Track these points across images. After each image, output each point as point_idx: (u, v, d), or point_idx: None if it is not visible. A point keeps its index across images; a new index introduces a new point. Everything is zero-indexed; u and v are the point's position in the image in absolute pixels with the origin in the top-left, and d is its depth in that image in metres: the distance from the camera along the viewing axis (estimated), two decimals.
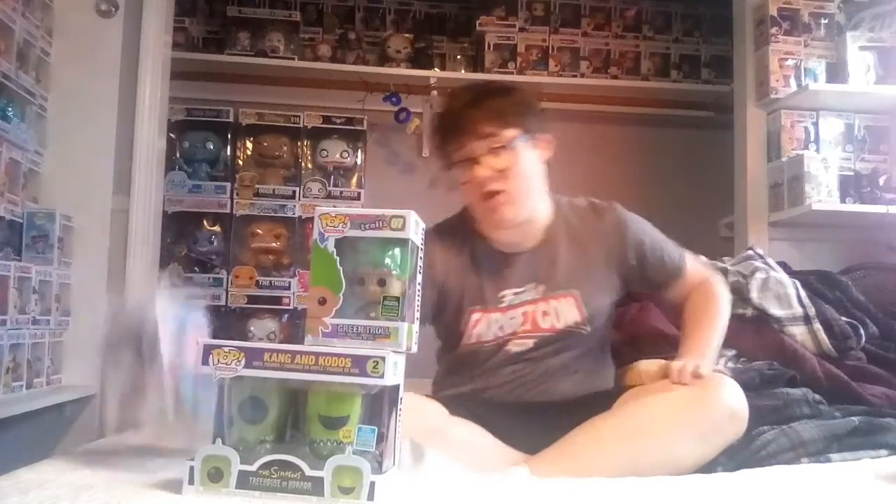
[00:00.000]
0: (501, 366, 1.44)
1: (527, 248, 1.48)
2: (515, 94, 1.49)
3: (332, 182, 3.10)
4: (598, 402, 1.35)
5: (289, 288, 2.98)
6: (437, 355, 1.56)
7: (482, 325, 1.44)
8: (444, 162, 1.47)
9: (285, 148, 3.10)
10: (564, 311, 1.45)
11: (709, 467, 1.23)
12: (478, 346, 1.45)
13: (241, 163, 3.08)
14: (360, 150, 3.14)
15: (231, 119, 3.07)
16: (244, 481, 0.91)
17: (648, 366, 1.64)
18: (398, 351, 0.94)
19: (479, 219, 1.48)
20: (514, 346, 1.45)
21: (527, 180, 1.44)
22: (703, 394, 1.24)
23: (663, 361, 1.61)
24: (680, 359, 1.36)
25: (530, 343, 1.44)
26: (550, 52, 3.31)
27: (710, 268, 1.65)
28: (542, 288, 1.46)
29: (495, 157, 1.40)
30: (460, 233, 1.51)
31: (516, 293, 1.46)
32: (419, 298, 1.03)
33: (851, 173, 2.57)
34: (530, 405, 1.41)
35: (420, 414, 1.27)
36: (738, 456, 1.26)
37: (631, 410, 1.28)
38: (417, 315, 1.00)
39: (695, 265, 1.59)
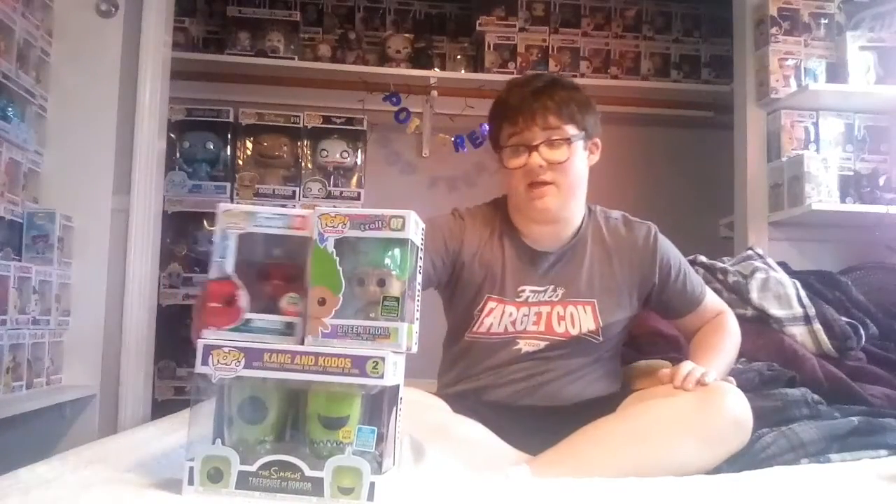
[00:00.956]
0: (509, 363, 1.44)
1: (554, 249, 1.47)
2: (581, 92, 1.49)
3: (332, 182, 3.10)
4: (602, 405, 1.35)
5: None
6: (444, 344, 1.56)
7: (495, 315, 1.44)
8: (495, 144, 1.48)
9: (285, 148, 3.10)
10: (580, 319, 1.44)
11: (710, 470, 1.23)
12: (486, 336, 1.45)
13: (241, 163, 3.08)
14: (360, 150, 3.14)
15: (231, 119, 3.07)
16: (244, 482, 0.91)
17: (648, 365, 1.64)
18: (398, 351, 0.94)
19: (519, 207, 1.48)
20: (526, 346, 1.44)
21: (576, 179, 1.45)
22: (707, 401, 1.23)
23: (663, 361, 1.62)
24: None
25: (542, 345, 1.44)
26: (550, 52, 3.31)
27: (726, 306, 1.64)
28: (561, 292, 1.45)
29: (553, 149, 1.41)
30: (493, 219, 1.51)
31: (535, 291, 1.45)
32: (419, 288, 1.03)
33: (851, 173, 2.58)
34: (535, 408, 1.41)
35: (423, 410, 1.28)
36: (738, 459, 1.26)
37: (635, 414, 1.27)
38: (417, 315, 1.00)
39: (713, 300, 1.60)
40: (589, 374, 1.47)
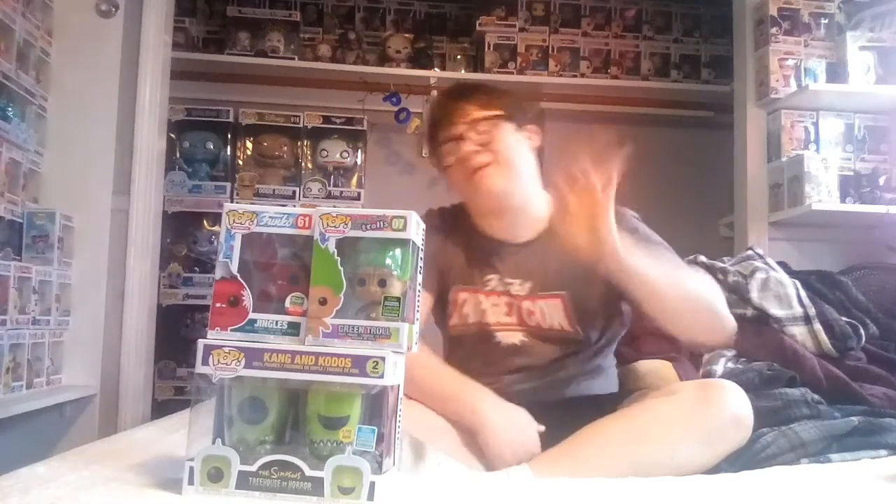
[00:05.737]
0: (492, 357, 1.43)
1: (519, 241, 1.48)
2: (500, 89, 1.54)
3: (332, 182, 3.10)
4: (602, 404, 1.34)
5: None
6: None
7: (468, 306, 1.46)
8: (433, 150, 1.51)
9: (285, 148, 3.10)
10: (550, 313, 1.43)
11: (710, 470, 1.23)
12: (463, 328, 1.46)
13: (241, 163, 3.08)
14: (360, 150, 3.14)
15: (231, 119, 3.07)
16: (244, 482, 0.91)
17: (648, 365, 1.64)
18: (398, 351, 0.94)
19: (470, 200, 1.50)
20: (505, 338, 1.45)
21: (513, 155, 1.45)
22: (707, 398, 1.23)
23: (664, 362, 1.62)
24: None
25: (519, 336, 1.44)
26: (550, 52, 3.31)
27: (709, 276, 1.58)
28: (528, 285, 1.45)
29: (479, 133, 1.43)
30: (453, 217, 1.54)
31: (503, 281, 1.46)
32: (419, 298, 1.03)
33: (851, 173, 2.58)
34: (530, 404, 1.41)
35: (424, 411, 1.28)
36: (738, 458, 1.26)
37: (635, 413, 1.27)
38: (418, 315, 1.00)
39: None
40: (576, 368, 1.45)
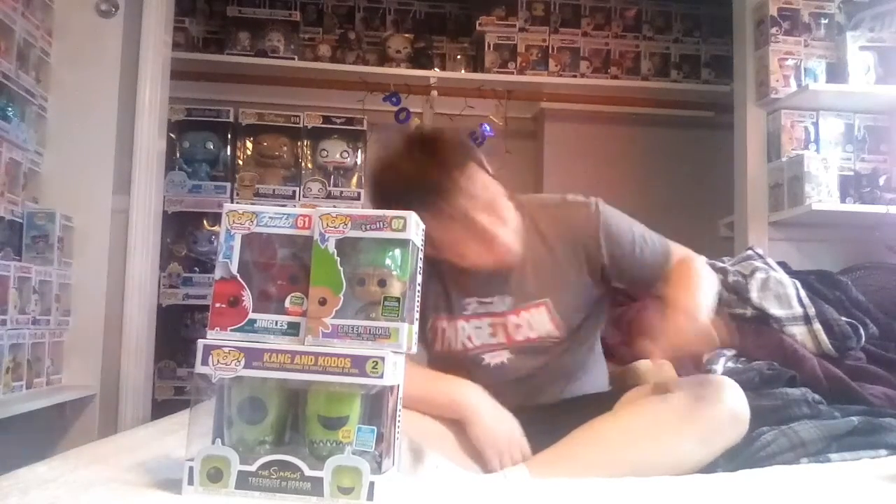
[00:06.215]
0: (480, 379, 1.37)
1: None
2: (443, 139, 1.39)
3: (332, 182, 3.10)
4: (598, 404, 1.33)
5: None
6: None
7: (450, 333, 1.41)
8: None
9: (285, 148, 3.10)
10: (537, 322, 1.39)
11: (708, 468, 1.23)
12: (448, 353, 1.42)
13: (241, 163, 3.08)
14: (360, 150, 3.14)
15: (231, 119, 3.07)
16: (244, 482, 0.91)
17: (649, 365, 1.64)
18: (398, 351, 0.94)
19: (469, 259, 1.37)
20: (491, 359, 1.41)
21: (501, 206, 1.35)
22: (704, 395, 1.23)
23: (664, 362, 1.61)
24: (670, 317, 1.24)
25: (506, 355, 1.40)
26: (550, 52, 3.31)
27: (691, 252, 1.51)
28: (510, 300, 1.39)
29: (472, 196, 1.30)
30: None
31: (482, 303, 1.41)
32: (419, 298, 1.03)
33: (851, 173, 2.58)
34: (523, 408, 1.40)
35: (420, 416, 1.27)
36: (737, 457, 1.26)
37: (632, 412, 1.27)
38: (417, 315, 1.00)
39: (679, 252, 1.47)
40: (562, 369, 1.43)
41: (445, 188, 1.29)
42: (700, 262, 1.45)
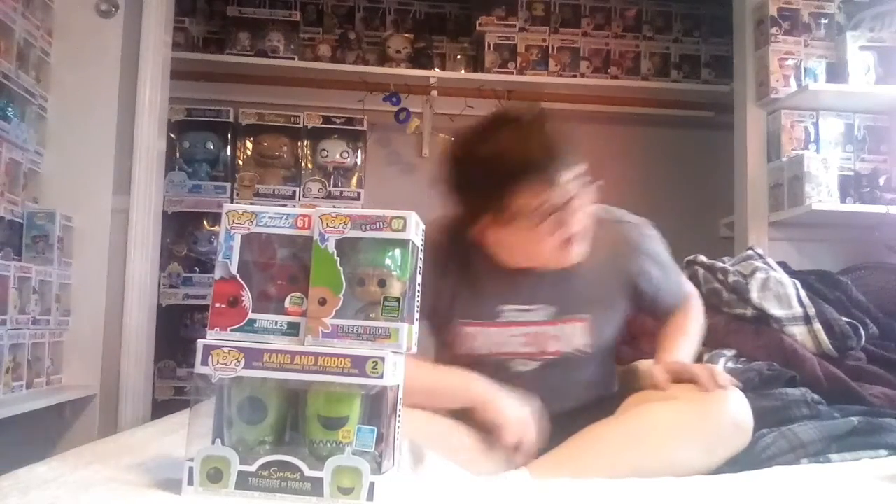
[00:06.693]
0: (505, 382, 1.35)
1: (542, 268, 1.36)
2: (552, 119, 1.32)
3: (332, 182, 3.10)
4: (601, 407, 1.33)
5: None
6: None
7: (478, 338, 1.37)
8: (498, 212, 1.26)
9: (285, 148, 3.11)
10: (574, 336, 1.37)
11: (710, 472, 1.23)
12: (470, 358, 1.37)
13: (241, 163, 3.08)
14: (360, 150, 3.14)
15: (231, 119, 3.07)
16: (243, 482, 0.91)
17: (648, 365, 1.64)
18: (398, 352, 0.94)
19: (535, 259, 1.32)
20: (519, 366, 1.38)
21: (588, 210, 1.31)
22: (708, 403, 1.22)
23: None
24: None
25: (535, 364, 1.38)
26: (550, 52, 3.31)
27: (694, 289, 1.60)
28: (552, 310, 1.36)
29: (575, 198, 1.26)
30: (460, 241, 1.36)
31: (521, 310, 1.36)
32: (419, 296, 1.03)
33: (851, 173, 2.58)
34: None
35: (421, 417, 1.27)
36: (738, 461, 1.25)
37: (634, 416, 1.26)
38: (417, 316, 1.00)
39: (691, 291, 1.57)
40: (583, 381, 1.44)
41: (561, 166, 1.23)
42: (698, 312, 1.55)
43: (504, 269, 1.35)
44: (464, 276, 1.37)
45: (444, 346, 1.41)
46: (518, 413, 1.26)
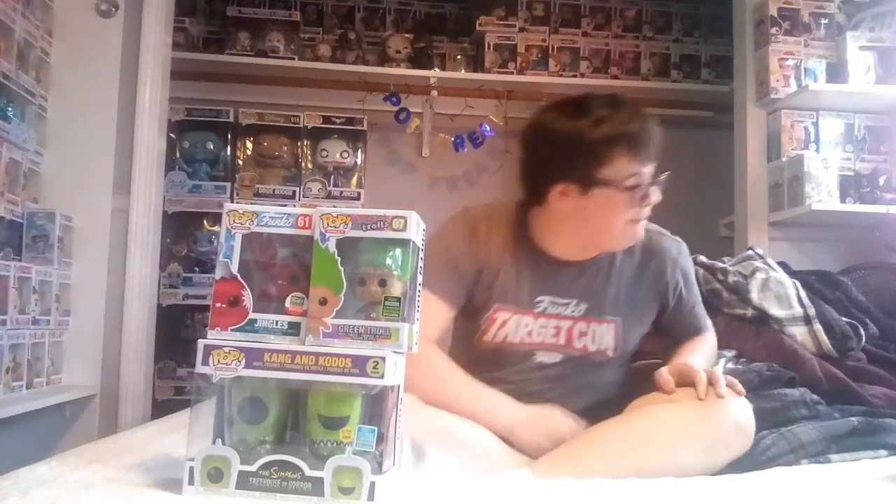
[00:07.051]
0: (522, 373, 1.41)
1: (579, 259, 1.41)
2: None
3: (332, 182, 3.10)
4: (610, 409, 1.33)
5: None
6: (450, 351, 1.48)
7: (509, 325, 1.39)
8: (586, 179, 1.31)
9: (285, 148, 3.11)
10: (602, 336, 1.41)
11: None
12: (502, 345, 1.40)
13: (241, 163, 3.08)
14: (360, 150, 3.14)
15: (231, 119, 3.07)
16: (244, 482, 0.91)
17: (648, 366, 1.64)
18: (399, 351, 0.94)
19: (594, 237, 1.38)
20: (543, 357, 1.41)
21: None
22: (710, 407, 1.22)
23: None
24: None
25: (558, 357, 1.41)
26: (550, 52, 3.31)
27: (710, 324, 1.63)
28: (584, 307, 1.40)
29: (655, 183, 1.34)
30: (506, 227, 1.42)
31: (555, 303, 1.40)
32: (419, 301, 1.03)
33: (851, 173, 2.58)
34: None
35: (425, 412, 1.27)
36: (738, 463, 1.25)
37: (637, 418, 1.26)
38: (418, 316, 1.00)
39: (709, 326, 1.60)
40: (600, 384, 1.46)
41: (654, 146, 1.30)
42: (713, 346, 1.57)
43: (548, 259, 1.40)
44: (508, 263, 1.40)
45: (472, 330, 1.43)
46: (543, 429, 1.30)
